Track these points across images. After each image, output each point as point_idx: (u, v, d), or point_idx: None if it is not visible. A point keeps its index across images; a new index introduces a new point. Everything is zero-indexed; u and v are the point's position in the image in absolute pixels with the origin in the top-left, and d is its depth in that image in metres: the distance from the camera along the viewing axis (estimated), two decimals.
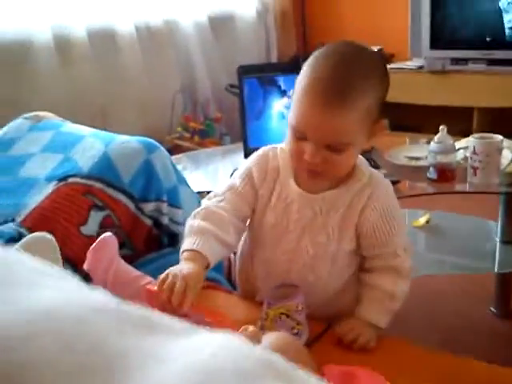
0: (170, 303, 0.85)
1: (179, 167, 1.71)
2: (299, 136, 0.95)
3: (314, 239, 1.02)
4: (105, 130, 1.39)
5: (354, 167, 1.01)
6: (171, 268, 0.91)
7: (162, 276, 0.89)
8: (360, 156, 1.03)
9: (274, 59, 3.41)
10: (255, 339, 0.76)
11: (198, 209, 1.03)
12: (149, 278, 0.96)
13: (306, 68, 0.96)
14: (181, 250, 0.97)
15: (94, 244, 0.93)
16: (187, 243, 0.96)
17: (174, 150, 2.31)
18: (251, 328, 0.78)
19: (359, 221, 1.00)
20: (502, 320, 1.85)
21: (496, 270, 1.74)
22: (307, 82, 0.93)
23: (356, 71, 0.93)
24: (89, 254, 0.93)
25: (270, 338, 0.79)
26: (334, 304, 1.04)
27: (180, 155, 2.00)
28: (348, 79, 0.91)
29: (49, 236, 0.71)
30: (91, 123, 1.41)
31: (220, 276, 1.26)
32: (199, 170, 1.87)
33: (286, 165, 1.03)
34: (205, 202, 1.05)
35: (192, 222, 1.00)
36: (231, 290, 1.23)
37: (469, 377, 0.88)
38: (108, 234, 0.95)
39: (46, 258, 0.66)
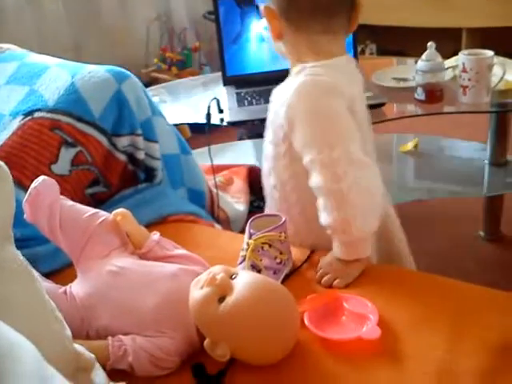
0: None
1: (156, 99, 1.63)
2: None
3: (265, 140, 1.00)
4: None
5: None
6: None
7: None
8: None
9: None
10: (222, 289, 0.73)
11: None
12: (103, 213, 0.88)
13: None
14: None
15: (27, 196, 0.84)
16: None
17: (151, 83, 2.20)
18: (220, 276, 0.74)
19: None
20: (491, 243, 1.85)
21: (485, 192, 1.71)
22: None
23: None
24: (26, 207, 0.85)
25: (244, 279, 0.76)
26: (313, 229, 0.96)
27: (157, 86, 1.90)
28: None
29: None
30: (63, 58, 1.32)
31: (201, 210, 1.23)
32: (179, 102, 1.79)
33: None
34: None
35: None
36: (212, 223, 1.19)
37: (455, 298, 0.87)
38: (41, 178, 0.85)
39: None
